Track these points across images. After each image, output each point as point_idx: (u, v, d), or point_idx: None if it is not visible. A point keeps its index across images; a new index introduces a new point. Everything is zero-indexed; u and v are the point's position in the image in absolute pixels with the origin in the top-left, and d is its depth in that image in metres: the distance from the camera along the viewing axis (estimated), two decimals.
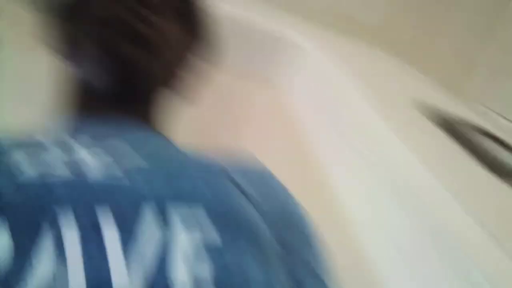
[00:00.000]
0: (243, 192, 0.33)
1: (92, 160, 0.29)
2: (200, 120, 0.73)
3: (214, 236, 0.27)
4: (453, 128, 0.64)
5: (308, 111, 0.81)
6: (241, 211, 0.31)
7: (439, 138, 0.61)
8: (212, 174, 0.33)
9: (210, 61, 0.52)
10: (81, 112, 0.40)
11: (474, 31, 1.18)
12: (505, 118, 0.94)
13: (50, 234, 0.23)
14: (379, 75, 0.90)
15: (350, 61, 0.85)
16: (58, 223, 0.23)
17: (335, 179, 0.64)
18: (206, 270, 0.25)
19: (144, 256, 0.24)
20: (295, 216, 0.37)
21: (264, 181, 0.38)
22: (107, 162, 0.29)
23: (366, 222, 0.55)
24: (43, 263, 0.22)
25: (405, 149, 0.53)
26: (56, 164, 0.27)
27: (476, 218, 0.40)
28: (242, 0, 0.95)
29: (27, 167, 0.26)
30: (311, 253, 0.35)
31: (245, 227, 0.30)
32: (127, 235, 0.24)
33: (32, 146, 0.29)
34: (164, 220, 0.26)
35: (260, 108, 0.85)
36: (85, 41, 0.38)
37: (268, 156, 0.43)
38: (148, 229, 0.25)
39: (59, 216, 0.24)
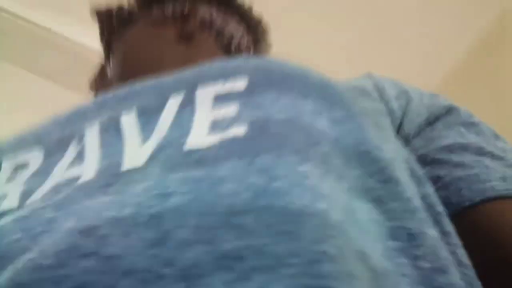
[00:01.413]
0: None
1: None
2: None
3: (238, 85, 0.25)
4: None
5: None
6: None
7: None
8: None
9: None
10: None
11: None
12: None
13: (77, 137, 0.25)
14: None
15: None
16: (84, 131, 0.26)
17: None
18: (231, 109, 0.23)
19: (159, 133, 0.23)
20: None
21: None
22: None
23: None
24: (67, 155, 0.24)
25: None
26: None
27: None
28: None
29: None
30: None
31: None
32: (146, 122, 0.24)
33: None
34: (192, 104, 0.25)
35: None
36: None
37: None
38: (169, 114, 0.25)
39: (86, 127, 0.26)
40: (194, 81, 0.27)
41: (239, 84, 0.25)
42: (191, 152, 0.21)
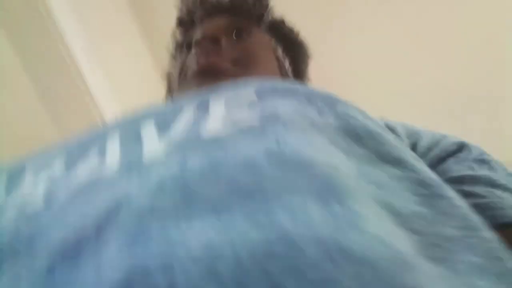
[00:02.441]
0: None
1: None
2: None
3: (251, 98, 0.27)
4: None
5: None
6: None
7: None
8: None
9: None
10: None
11: None
12: None
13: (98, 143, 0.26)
14: None
15: None
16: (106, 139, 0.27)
17: None
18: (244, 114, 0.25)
19: (176, 129, 0.25)
20: None
21: None
22: None
23: None
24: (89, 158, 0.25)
25: None
26: None
27: None
28: None
29: None
30: None
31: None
32: (163, 126, 0.26)
33: None
34: (206, 110, 0.26)
35: None
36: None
37: None
38: (185, 116, 0.26)
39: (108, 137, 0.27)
40: (208, 95, 0.28)
41: (248, 91, 0.27)
42: (209, 138, 0.23)
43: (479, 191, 0.30)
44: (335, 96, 0.29)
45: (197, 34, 0.49)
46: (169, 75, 0.60)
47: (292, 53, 0.59)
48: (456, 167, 0.33)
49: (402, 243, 0.16)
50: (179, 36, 0.61)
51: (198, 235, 0.15)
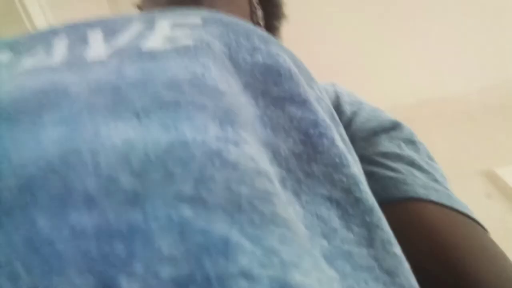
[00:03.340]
0: None
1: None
2: None
3: (195, 20, 0.30)
4: None
5: None
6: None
7: None
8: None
9: None
10: None
11: None
12: None
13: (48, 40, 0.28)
14: None
15: None
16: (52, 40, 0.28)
17: None
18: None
19: (121, 39, 0.27)
20: None
21: None
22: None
23: None
24: (35, 57, 0.26)
25: None
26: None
27: None
28: None
29: None
30: None
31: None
32: (110, 34, 0.28)
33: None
34: (152, 27, 0.29)
35: None
36: None
37: None
38: (132, 29, 0.28)
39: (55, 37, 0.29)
40: (158, 15, 0.31)
41: (195, 20, 0.30)
42: (145, 52, 0.25)
43: (400, 168, 0.34)
44: (269, 36, 0.31)
45: None
46: None
47: (266, 5, 0.58)
48: (387, 144, 0.37)
49: (268, 166, 0.21)
50: None
51: (121, 133, 0.19)
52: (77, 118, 0.19)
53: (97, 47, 0.27)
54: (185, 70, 0.23)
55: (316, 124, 0.24)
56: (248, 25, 0.32)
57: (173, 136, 0.19)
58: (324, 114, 0.26)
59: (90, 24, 0.30)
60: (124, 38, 0.27)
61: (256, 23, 0.55)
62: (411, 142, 0.38)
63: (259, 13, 0.56)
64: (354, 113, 0.41)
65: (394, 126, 0.40)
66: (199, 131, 0.19)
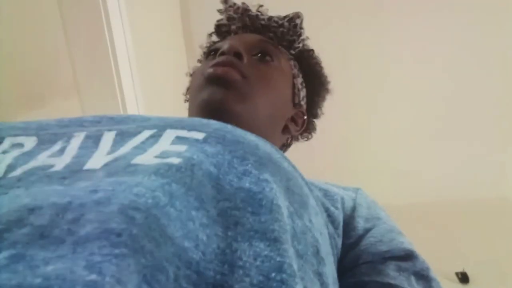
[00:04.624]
0: None
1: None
2: None
3: (196, 135, 0.31)
4: None
5: None
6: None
7: None
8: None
9: None
10: None
11: None
12: None
13: (65, 137, 0.32)
14: None
15: None
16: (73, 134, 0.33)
17: None
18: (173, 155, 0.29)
19: (126, 147, 0.30)
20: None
21: None
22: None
23: None
24: (53, 147, 0.31)
25: None
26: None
27: None
28: None
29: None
30: None
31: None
32: (120, 139, 0.31)
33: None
34: (159, 132, 0.32)
35: None
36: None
37: None
38: (142, 135, 0.32)
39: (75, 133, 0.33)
40: (170, 123, 0.33)
41: (198, 135, 0.32)
42: (132, 165, 0.27)
43: None
44: (273, 156, 0.32)
45: (226, 44, 0.51)
46: (191, 75, 0.63)
47: (312, 85, 0.60)
48: (394, 274, 0.34)
49: None
50: (210, 42, 0.63)
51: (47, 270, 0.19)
52: (19, 251, 0.21)
53: (99, 156, 0.29)
54: (149, 193, 0.24)
55: (280, 268, 0.23)
56: (252, 143, 0.32)
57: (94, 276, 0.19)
58: (296, 257, 0.26)
59: (110, 126, 0.34)
60: (126, 148, 0.30)
61: (297, 104, 0.57)
62: (423, 277, 0.34)
63: (302, 93, 0.58)
64: (367, 230, 0.38)
65: (407, 256, 0.36)
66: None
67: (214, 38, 0.63)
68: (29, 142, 0.31)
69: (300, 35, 0.58)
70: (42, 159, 0.29)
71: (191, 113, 0.52)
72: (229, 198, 0.26)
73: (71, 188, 0.25)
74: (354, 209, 0.41)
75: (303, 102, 0.59)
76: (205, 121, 0.35)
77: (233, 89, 0.46)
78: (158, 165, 0.27)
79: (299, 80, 0.58)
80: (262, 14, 0.58)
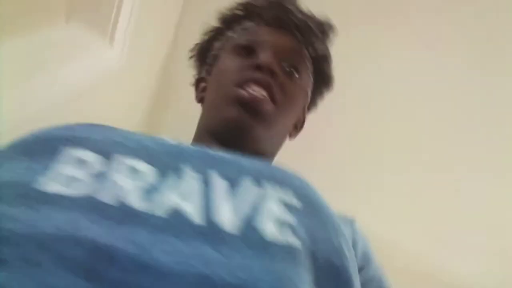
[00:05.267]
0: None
1: None
2: None
3: (295, 202, 0.33)
4: None
5: None
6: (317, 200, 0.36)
7: None
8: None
9: None
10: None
11: None
12: None
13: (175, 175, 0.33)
14: None
15: None
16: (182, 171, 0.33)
17: None
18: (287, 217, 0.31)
19: (243, 201, 0.31)
20: None
21: None
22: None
23: None
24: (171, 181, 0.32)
25: None
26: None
27: None
28: None
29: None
30: None
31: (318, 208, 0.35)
32: (231, 187, 0.32)
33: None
34: (259, 185, 0.33)
35: None
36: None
37: None
38: (247, 185, 0.33)
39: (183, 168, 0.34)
40: (260, 170, 0.35)
41: (293, 201, 0.34)
42: (266, 243, 0.28)
43: None
44: (318, 198, 0.36)
45: (263, 53, 0.51)
46: (200, 80, 0.63)
47: (318, 88, 0.62)
48: None
49: None
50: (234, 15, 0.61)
51: None
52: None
53: (226, 212, 0.30)
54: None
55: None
56: (327, 210, 0.35)
57: None
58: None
59: (208, 162, 0.35)
60: (243, 205, 0.31)
61: (304, 109, 0.61)
62: None
63: (309, 98, 0.61)
64: (360, 269, 0.42)
65: None
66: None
67: (239, 12, 0.61)
68: (147, 170, 0.33)
69: (326, 42, 0.60)
70: (174, 200, 0.30)
71: (209, 112, 0.53)
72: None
73: (233, 261, 0.26)
74: (354, 243, 0.45)
75: (306, 106, 0.61)
76: (282, 171, 0.37)
77: (263, 120, 0.48)
78: (286, 248, 0.28)
79: (311, 87, 0.60)
80: (297, 10, 0.57)
